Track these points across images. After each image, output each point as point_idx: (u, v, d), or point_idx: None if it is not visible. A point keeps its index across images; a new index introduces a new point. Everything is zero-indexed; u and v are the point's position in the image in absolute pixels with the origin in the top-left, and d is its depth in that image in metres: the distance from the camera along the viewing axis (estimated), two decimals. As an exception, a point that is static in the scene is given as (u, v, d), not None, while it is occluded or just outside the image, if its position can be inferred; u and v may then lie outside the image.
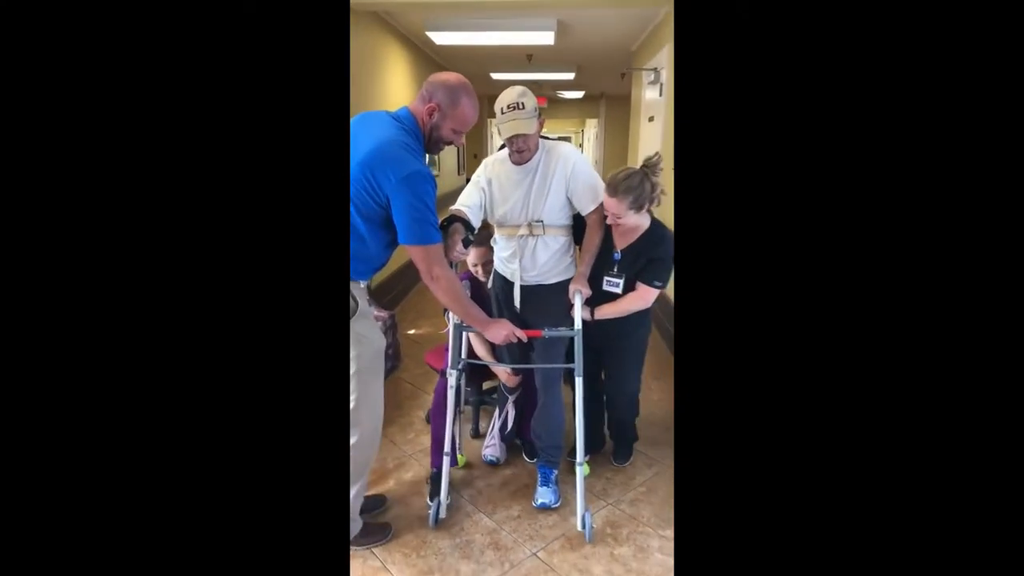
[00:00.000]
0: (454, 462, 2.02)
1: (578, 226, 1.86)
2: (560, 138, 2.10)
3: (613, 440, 2.16)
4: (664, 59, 3.56)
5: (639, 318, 1.85)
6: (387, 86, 3.91)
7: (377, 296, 3.15)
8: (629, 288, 1.79)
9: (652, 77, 3.93)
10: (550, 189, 1.73)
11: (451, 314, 1.79)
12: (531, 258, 1.80)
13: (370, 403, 1.57)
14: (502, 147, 1.78)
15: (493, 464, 2.13)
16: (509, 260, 1.84)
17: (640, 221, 1.76)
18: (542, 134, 1.75)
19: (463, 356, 1.95)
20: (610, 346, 1.91)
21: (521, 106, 1.62)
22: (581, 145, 15.25)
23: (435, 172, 5.58)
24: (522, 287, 1.84)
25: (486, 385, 2.38)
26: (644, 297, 1.77)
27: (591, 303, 1.80)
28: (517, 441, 2.20)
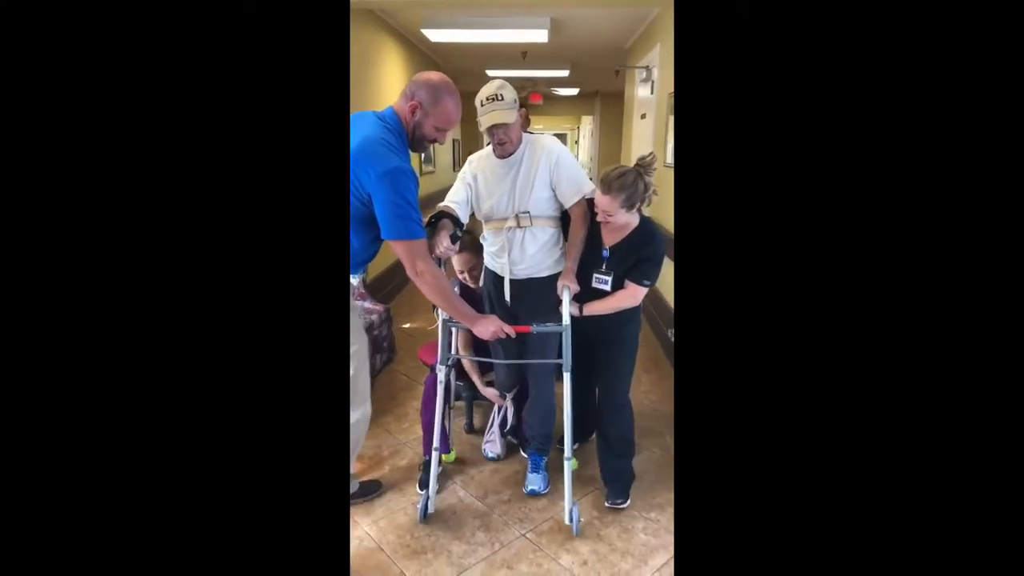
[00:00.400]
0: (444, 453, 2.04)
1: (566, 220, 1.85)
2: (556, 135, 2.13)
3: (606, 483, 1.94)
4: (656, 57, 3.62)
5: (630, 313, 1.84)
6: (383, 83, 3.95)
7: (373, 290, 3.21)
8: (618, 285, 1.78)
9: (644, 75, 3.99)
10: (535, 181, 1.73)
11: (440, 310, 1.80)
12: (520, 251, 1.80)
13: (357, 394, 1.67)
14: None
15: (494, 460, 2.16)
16: (498, 255, 1.85)
17: (630, 219, 1.74)
18: (529, 130, 1.78)
19: (453, 352, 1.96)
20: (600, 340, 1.89)
21: (500, 97, 1.63)
22: (577, 142, 15.30)
23: (431, 169, 5.63)
24: (512, 281, 1.83)
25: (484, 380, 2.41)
26: (633, 295, 1.77)
27: (580, 299, 1.79)
28: (514, 440, 2.22)
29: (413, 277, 1.54)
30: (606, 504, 1.87)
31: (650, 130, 3.77)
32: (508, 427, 2.19)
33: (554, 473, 2.01)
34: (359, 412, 1.72)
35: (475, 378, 2.17)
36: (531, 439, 2.02)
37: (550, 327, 1.72)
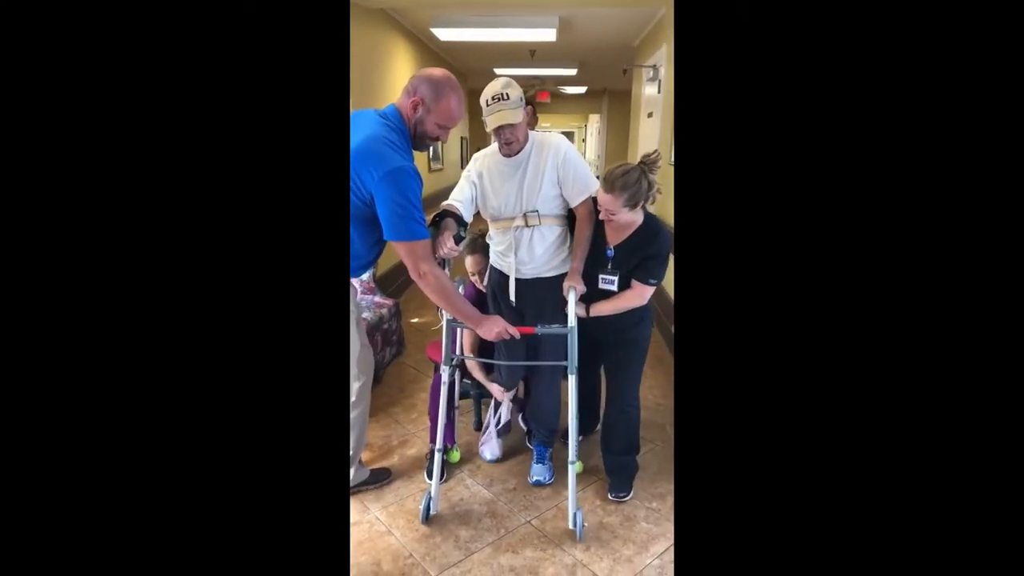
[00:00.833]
0: (445, 460, 2.04)
1: (571, 220, 1.83)
2: (563, 133, 2.10)
3: (609, 475, 1.99)
4: (663, 56, 3.66)
5: (641, 312, 1.81)
6: (393, 82, 4.01)
7: (382, 285, 3.27)
8: (625, 285, 1.76)
9: (651, 74, 4.03)
10: (543, 179, 1.71)
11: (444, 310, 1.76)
12: (528, 250, 1.78)
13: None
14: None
15: (493, 462, 2.13)
16: (504, 254, 1.82)
17: (634, 217, 1.71)
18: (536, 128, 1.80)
19: (458, 352, 1.94)
20: (609, 341, 1.87)
21: (505, 97, 1.58)
22: (584, 140, 15.31)
23: (439, 166, 5.68)
24: (518, 280, 1.81)
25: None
26: (639, 295, 1.74)
27: (586, 300, 1.77)
28: (523, 426, 2.24)
29: (416, 278, 1.51)
30: (609, 496, 1.92)
31: (657, 129, 3.80)
32: (505, 427, 2.16)
33: (558, 464, 2.06)
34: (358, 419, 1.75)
35: (479, 376, 2.14)
36: (535, 432, 2.07)
37: (555, 328, 1.68)
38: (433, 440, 2.00)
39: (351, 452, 1.80)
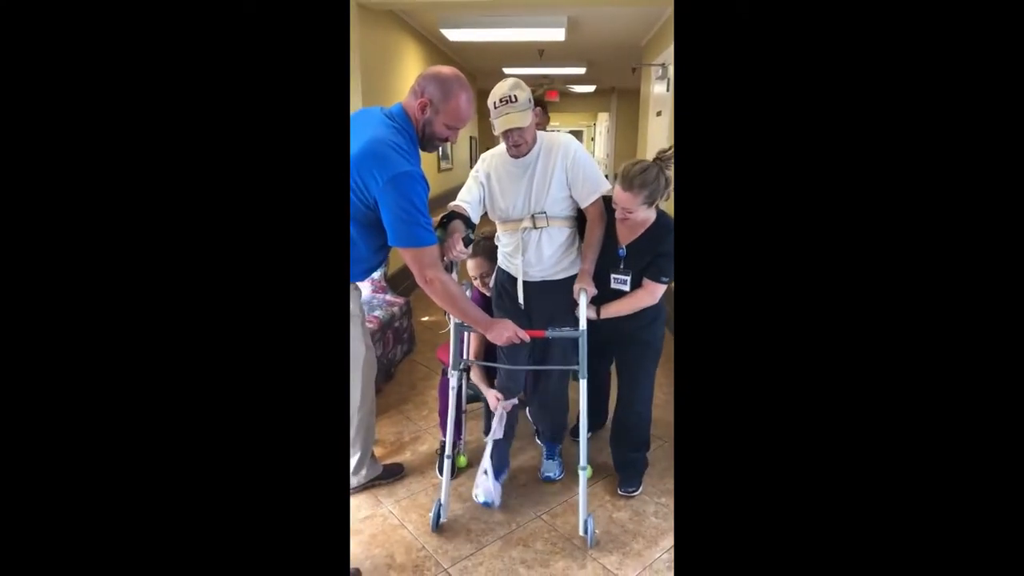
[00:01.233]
0: (454, 464, 1.96)
1: (581, 221, 1.81)
2: (572, 132, 2.07)
3: (619, 471, 1.99)
4: (671, 55, 3.66)
5: (653, 313, 1.79)
6: (402, 84, 4.04)
7: (393, 284, 3.31)
8: (637, 284, 1.74)
9: (660, 72, 4.03)
10: (551, 180, 1.69)
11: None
12: (536, 252, 1.75)
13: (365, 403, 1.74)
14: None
15: (488, 506, 1.82)
16: (512, 255, 1.79)
17: (648, 215, 1.70)
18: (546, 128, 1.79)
19: (467, 357, 1.91)
20: (621, 343, 1.86)
21: (513, 99, 1.56)
22: (593, 139, 15.28)
23: (448, 166, 5.71)
24: (526, 283, 1.78)
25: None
26: (652, 294, 1.73)
27: (596, 301, 1.76)
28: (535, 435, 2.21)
29: (422, 284, 1.49)
30: (619, 491, 1.93)
31: (666, 127, 3.81)
32: (500, 466, 1.89)
33: (567, 461, 2.08)
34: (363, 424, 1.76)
35: (481, 382, 2.01)
36: (543, 431, 2.08)
37: (566, 332, 1.66)
38: (444, 435, 2.01)
39: (360, 451, 1.84)
